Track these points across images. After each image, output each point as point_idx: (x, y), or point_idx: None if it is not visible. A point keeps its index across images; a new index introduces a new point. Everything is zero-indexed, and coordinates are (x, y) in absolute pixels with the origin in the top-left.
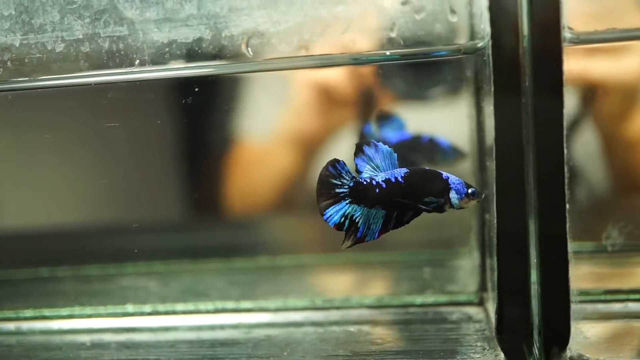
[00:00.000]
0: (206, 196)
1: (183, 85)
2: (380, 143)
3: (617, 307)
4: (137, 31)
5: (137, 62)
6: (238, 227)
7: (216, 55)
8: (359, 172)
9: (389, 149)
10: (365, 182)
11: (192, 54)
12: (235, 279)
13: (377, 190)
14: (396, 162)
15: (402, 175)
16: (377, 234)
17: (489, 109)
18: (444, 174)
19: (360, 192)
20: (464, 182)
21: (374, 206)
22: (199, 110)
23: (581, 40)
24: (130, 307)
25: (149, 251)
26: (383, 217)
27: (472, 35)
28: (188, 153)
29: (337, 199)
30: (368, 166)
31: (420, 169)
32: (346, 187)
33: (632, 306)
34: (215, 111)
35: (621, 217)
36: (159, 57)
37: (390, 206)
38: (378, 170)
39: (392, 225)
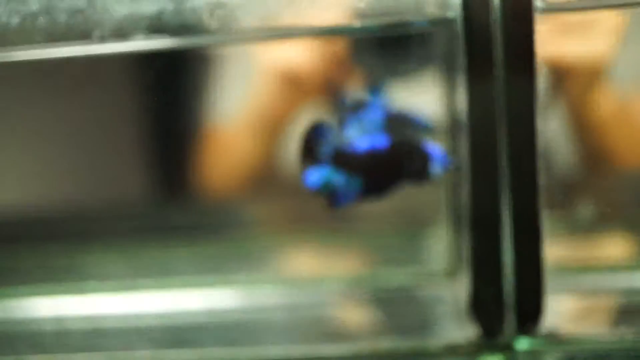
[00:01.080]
0: (171, 176)
1: (145, 61)
2: (373, 107)
3: (587, 281)
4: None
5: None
6: (205, 208)
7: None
8: (344, 127)
9: (380, 115)
10: (347, 148)
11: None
12: (203, 262)
13: (359, 158)
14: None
15: (384, 144)
16: (351, 201)
17: (460, 82)
18: (425, 143)
19: (342, 158)
20: (445, 152)
21: (353, 173)
22: (164, 89)
23: (553, 8)
24: (93, 289)
25: (112, 233)
26: (360, 185)
27: (443, 6)
28: (150, 132)
29: (317, 161)
30: (358, 126)
31: (402, 139)
32: (328, 151)
33: (601, 280)
34: (179, 90)
35: (591, 192)
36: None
37: (370, 175)
38: (364, 133)
39: (369, 196)
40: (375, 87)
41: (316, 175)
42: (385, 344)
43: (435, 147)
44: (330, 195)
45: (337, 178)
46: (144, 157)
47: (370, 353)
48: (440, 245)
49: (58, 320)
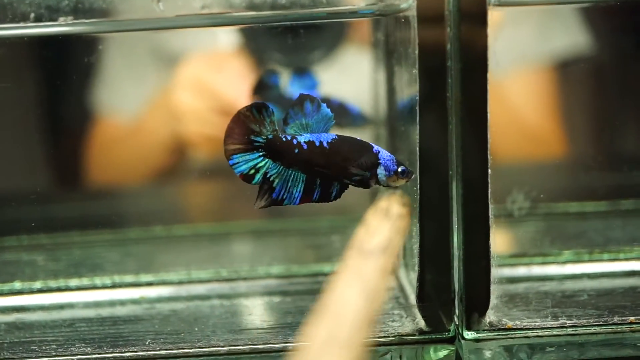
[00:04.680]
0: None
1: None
2: (324, 105)
3: (522, 270)
4: None
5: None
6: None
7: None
8: (287, 123)
9: (330, 114)
10: (284, 139)
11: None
12: (130, 251)
13: (297, 151)
14: (329, 130)
15: (329, 140)
16: (298, 200)
17: (403, 73)
18: (375, 147)
19: (277, 148)
20: (395, 158)
21: (291, 167)
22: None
23: (503, 3)
24: (18, 284)
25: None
26: (304, 182)
27: None
28: (62, 119)
29: (249, 147)
30: (298, 122)
31: (349, 138)
32: (263, 137)
33: (536, 270)
34: (78, 75)
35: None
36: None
37: (310, 171)
38: (306, 129)
39: (317, 197)
40: (306, 75)
41: (244, 160)
42: None
43: (384, 151)
44: (266, 189)
45: (273, 170)
46: (36, 146)
47: None
48: None
49: None
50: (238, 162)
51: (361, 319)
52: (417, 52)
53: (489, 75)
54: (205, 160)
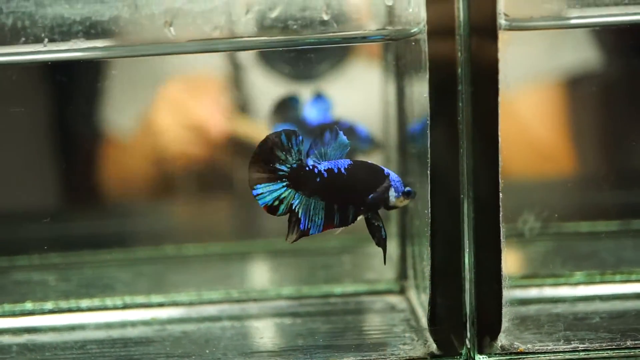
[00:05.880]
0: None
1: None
2: (341, 132)
3: (533, 292)
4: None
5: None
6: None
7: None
8: (308, 155)
9: (346, 141)
10: (307, 168)
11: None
12: (141, 270)
13: (318, 179)
14: (344, 156)
15: (345, 166)
16: (321, 227)
17: (414, 95)
18: (385, 169)
19: (301, 178)
20: (401, 179)
21: (312, 196)
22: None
23: (514, 27)
24: (29, 305)
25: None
26: (323, 209)
27: (391, 20)
28: (73, 138)
29: (274, 176)
30: (317, 152)
31: (362, 162)
32: (288, 166)
33: (548, 291)
34: (86, 97)
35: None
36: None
37: (330, 198)
38: (324, 157)
39: (338, 222)
40: (322, 99)
41: (269, 191)
42: (341, 359)
43: (392, 173)
44: (294, 221)
45: (296, 201)
46: (49, 165)
47: None
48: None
49: None
50: (262, 193)
51: None
52: (427, 74)
53: (500, 97)
54: (217, 179)
